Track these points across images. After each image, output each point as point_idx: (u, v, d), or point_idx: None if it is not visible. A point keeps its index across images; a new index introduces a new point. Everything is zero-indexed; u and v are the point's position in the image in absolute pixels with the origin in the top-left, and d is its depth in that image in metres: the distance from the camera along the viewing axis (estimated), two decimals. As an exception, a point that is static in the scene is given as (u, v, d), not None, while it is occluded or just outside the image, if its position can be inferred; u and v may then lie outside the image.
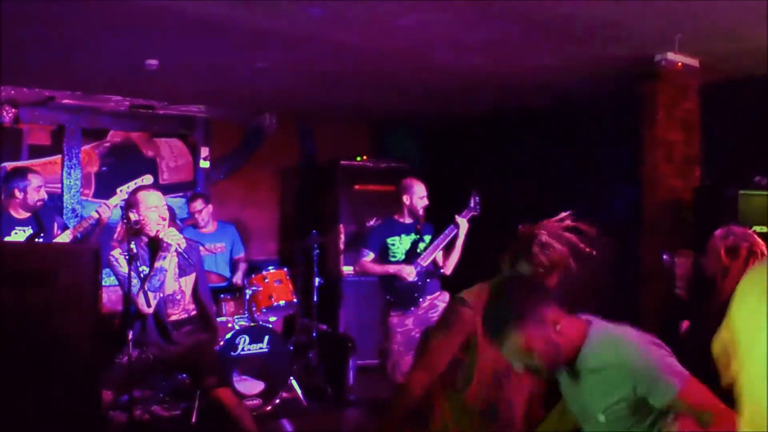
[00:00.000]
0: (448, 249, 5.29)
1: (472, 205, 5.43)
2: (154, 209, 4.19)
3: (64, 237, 5.20)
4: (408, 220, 5.29)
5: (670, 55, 4.93)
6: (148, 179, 5.44)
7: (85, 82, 6.41)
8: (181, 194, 7.46)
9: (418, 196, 5.25)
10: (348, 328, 6.76)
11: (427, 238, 5.30)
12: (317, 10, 4.15)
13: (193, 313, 4.35)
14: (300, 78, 6.01)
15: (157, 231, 4.18)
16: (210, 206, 6.45)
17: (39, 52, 5.25)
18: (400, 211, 5.32)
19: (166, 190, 7.39)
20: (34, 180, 5.13)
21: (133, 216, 4.17)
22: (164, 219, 4.22)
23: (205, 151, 7.55)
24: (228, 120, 7.67)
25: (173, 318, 4.25)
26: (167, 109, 7.21)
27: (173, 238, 4.17)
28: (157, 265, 4.15)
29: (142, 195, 4.23)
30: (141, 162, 7.27)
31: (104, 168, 7.14)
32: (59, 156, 6.88)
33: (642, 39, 4.65)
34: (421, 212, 5.27)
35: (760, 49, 4.69)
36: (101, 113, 6.98)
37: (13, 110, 6.58)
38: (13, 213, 5.08)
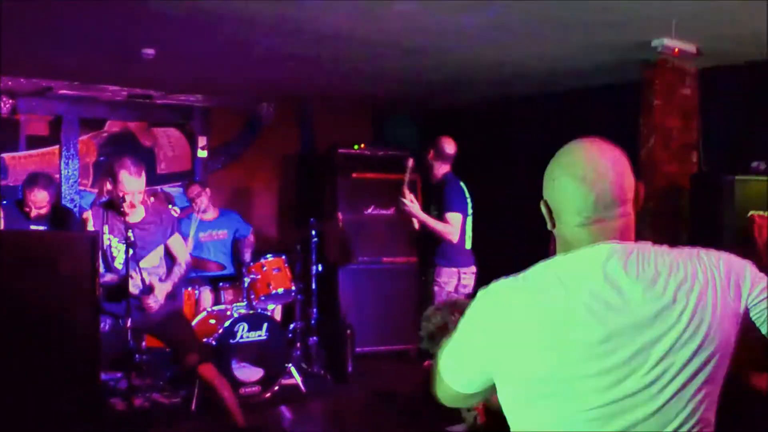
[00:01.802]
0: None
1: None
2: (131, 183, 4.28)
3: None
4: None
5: (668, 41, 4.91)
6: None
7: (82, 72, 6.40)
8: (179, 184, 7.47)
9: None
10: (346, 316, 6.77)
11: None
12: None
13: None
14: (298, 66, 6.00)
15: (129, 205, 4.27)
16: (207, 191, 6.45)
17: (36, 43, 5.25)
18: None
19: (164, 179, 7.42)
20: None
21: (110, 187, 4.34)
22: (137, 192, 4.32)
23: (202, 141, 7.54)
24: (226, 109, 7.67)
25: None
26: (165, 98, 7.21)
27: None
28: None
29: (121, 174, 4.27)
30: (139, 152, 7.27)
31: (102, 158, 7.13)
32: (57, 146, 6.88)
33: (639, 24, 4.64)
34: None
35: (758, 34, 4.69)
36: (99, 103, 6.98)
37: (11, 101, 6.58)
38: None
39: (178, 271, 4.59)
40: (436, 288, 5.18)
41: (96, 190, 7.01)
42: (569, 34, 4.89)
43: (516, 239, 6.92)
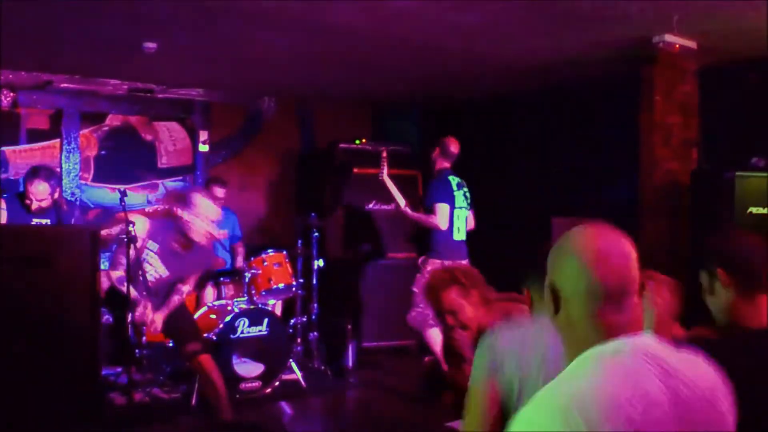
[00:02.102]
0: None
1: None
2: (205, 220, 4.36)
3: None
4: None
5: (668, 37, 4.91)
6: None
7: (83, 66, 6.41)
8: (180, 178, 7.48)
9: None
10: (347, 311, 6.78)
11: None
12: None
13: None
14: (299, 61, 6.00)
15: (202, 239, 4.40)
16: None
17: (37, 36, 5.25)
18: None
19: (165, 174, 7.42)
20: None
21: (184, 215, 4.33)
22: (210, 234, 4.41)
23: (203, 135, 7.55)
24: (227, 103, 7.67)
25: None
26: (166, 92, 7.21)
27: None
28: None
29: (201, 201, 4.39)
30: (140, 146, 7.28)
31: (103, 152, 7.14)
32: (58, 140, 6.88)
33: (639, 20, 4.64)
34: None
35: (758, 31, 4.68)
36: (100, 97, 6.98)
37: (11, 94, 6.58)
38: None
39: (177, 300, 4.66)
40: (418, 275, 5.68)
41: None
42: (570, 30, 4.89)
43: (514, 233, 6.93)
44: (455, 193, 5.73)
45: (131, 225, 4.16)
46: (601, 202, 6.11)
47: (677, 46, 4.99)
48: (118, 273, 4.36)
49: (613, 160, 6.24)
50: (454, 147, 5.78)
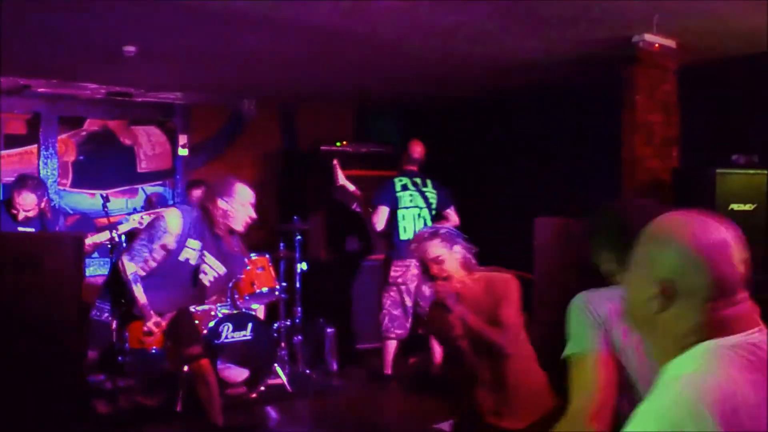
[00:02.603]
0: None
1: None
2: (245, 205, 4.20)
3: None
4: None
5: (648, 37, 4.95)
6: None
7: (61, 70, 6.34)
8: (159, 182, 7.42)
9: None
10: (331, 314, 6.75)
11: None
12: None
13: None
14: (280, 62, 5.98)
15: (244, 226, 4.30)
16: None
17: (14, 40, 5.17)
18: None
19: (145, 178, 7.36)
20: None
21: (222, 204, 4.16)
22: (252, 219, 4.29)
23: (183, 139, 7.49)
24: (207, 106, 7.63)
25: None
26: (145, 96, 7.15)
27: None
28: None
29: (238, 187, 4.31)
30: (119, 150, 7.22)
31: (81, 157, 7.07)
32: (35, 145, 6.81)
33: (619, 20, 4.67)
34: None
35: (737, 30, 4.73)
36: (78, 101, 6.91)
37: (-12, 99, 6.50)
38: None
39: None
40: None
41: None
42: (550, 31, 4.92)
43: (496, 233, 6.94)
44: (398, 195, 6.05)
45: (114, 231, 4.11)
46: (584, 201, 6.13)
47: (657, 45, 5.04)
48: (135, 266, 4.13)
49: (595, 159, 6.28)
50: (414, 151, 6.17)
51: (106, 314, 4.38)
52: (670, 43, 5.13)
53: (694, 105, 5.55)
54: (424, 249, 3.28)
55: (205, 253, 4.28)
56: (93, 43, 5.25)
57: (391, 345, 6.09)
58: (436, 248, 3.27)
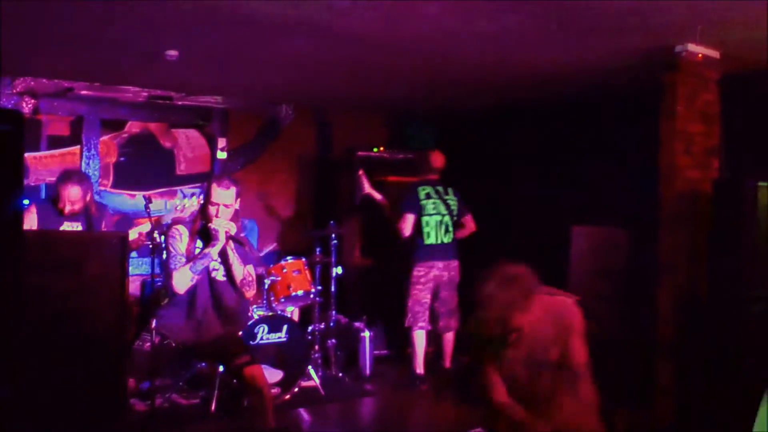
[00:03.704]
0: None
1: None
2: (215, 205, 4.29)
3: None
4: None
5: (691, 46, 4.90)
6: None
7: (103, 73, 6.45)
8: (198, 185, 7.50)
9: None
10: (365, 318, 6.78)
11: None
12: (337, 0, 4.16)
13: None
14: (317, 69, 6.02)
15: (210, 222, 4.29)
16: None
17: (58, 44, 5.28)
18: None
19: (183, 180, 7.45)
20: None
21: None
22: (216, 216, 4.31)
23: (222, 142, 7.58)
24: (245, 110, 7.70)
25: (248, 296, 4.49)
26: (185, 100, 7.25)
27: (221, 225, 4.26)
28: (205, 250, 4.23)
29: (213, 187, 4.38)
30: (159, 153, 7.32)
31: (122, 158, 7.18)
32: (78, 147, 6.92)
33: (662, 29, 4.63)
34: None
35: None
36: (119, 104, 7.02)
37: (33, 101, 6.63)
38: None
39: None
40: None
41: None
42: (591, 39, 4.89)
43: (533, 242, 6.92)
44: (422, 203, 6.31)
45: (155, 231, 4.17)
46: (620, 212, 6.10)
47: (700, 55, 4.98)
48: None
49: (633, 169, 6.23)
50: (434, 161, 6.48)
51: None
52: (714, 53, 5.07)
53: (737, 115, 5.48)
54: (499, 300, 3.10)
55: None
56: (135, 47, 5.33)
57: (419, 340, 6.27)
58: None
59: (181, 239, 4.23)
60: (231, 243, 4.33)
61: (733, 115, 5.49)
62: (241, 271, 4.34)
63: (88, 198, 5.27)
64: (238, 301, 4.48)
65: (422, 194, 6.34)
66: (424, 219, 6.30)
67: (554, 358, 3.14)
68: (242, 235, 4.50)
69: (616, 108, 6.58)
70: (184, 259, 4.17)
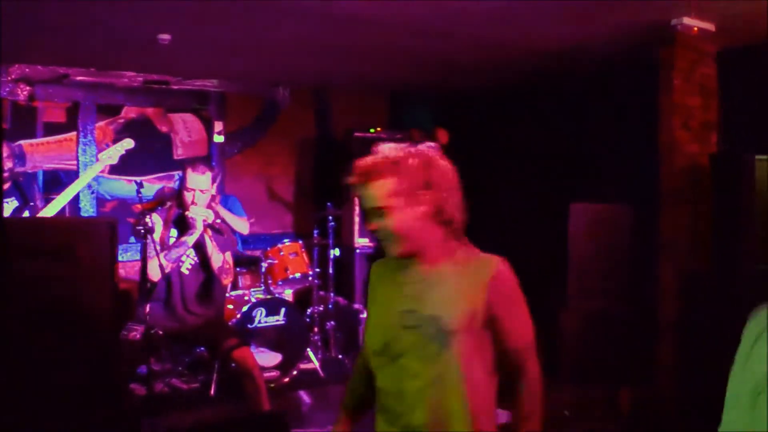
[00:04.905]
0: None
1: None
2: (191, 190, 4.31)
3: (49, 210, 5.24)
4: None
5: (686, 20, 4.84)
6: (128, 143, 5.56)
7: (98, 59, 6.42)
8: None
9: None
10: (362, 300, 6.78)
11: None
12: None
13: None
14: (314, 50, 5.97)
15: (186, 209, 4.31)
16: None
17: (52, 30, 5.25)
18: None
19: (181, 165, 7.43)
20: None
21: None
22: (194, 203, 4.32)
23: (219, 126, 7.55)
24: (242, 94, 7.67)
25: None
26: (181, 84, 7.21)
27: (198, 213, 4.26)
28: (182, 239, 4.24)
29: (188, 173, 4.42)
30: (155, 137, 7.29)
31: (119, 144, 7.15)
32: (74, 133, 6.91)
33: (657, 3, 4.57)
34: None
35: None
36: (115, 89, 6.99)
37: (28, 88, 6.60)
38: None
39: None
40: None
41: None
42: (587, 14, 4.83)
43: (532, 220, 6.89)
44: None
45: (148, 216, 4.16)
46: (619, 187, 6.06)
47: (695, 29, 4.92)
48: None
49: (630, 145, 6.18)
50: (441, 138, 6.72)
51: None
52: (709, 26, 5.01)
53: (734, 89, 5.42)
54: None
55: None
56: (128, 31, 5.30)
57: None
58: None
59: (154, 228, 4.25)
60: (209, 231, 4.33)
61: (731, 88, 5.43)
62: (220, 259, 4.36)
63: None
64: (215, 288, 4.50)
65: None
66: None
67: None
68: (219, 221, 4.49)
69: (614, 84, 6.53)
70: (158, 247, 4.19)
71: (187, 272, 4.42)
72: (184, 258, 4.39)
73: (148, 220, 4.09)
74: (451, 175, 2.26)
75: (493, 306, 2.14)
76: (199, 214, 4.27)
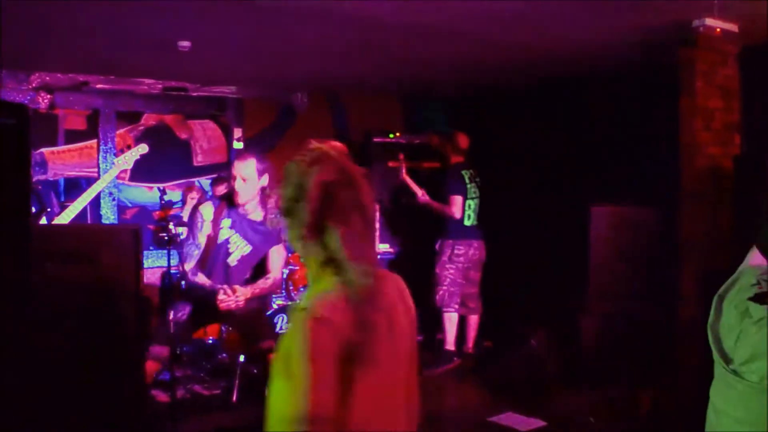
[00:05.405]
0: None
1: None
2: (234, 177, 4.37)
3: (66, 215, 5.29)
4: None
5: (709, 21, 4.81)
6: (143, 148, 5.59)
7: (118, 66, 6.46)
8: (215, 175, 7.51)
9: None
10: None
11: None
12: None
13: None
14: (332, 55, 5.98)
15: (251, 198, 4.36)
16: None
17: (72, 37, 5.29)
18: None
19: (201, 171, 7.47)
20: None
21: (232, 183, 4.42)
22: (236, 190, 4.35)
23: (238, 132, 7.58)
24: (260, 99, 7.69)
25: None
26: (200, 90, 7.25)
27: (229, 302, 4.30)
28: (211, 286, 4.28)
29: (235, 164, 4.47)
30: (175, 144, 7.33)
31: (139, 151, 7.19)
32: (95, 140, 6.95)
33: (679, 4, 4.55)
34: None
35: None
36: (135, 96, 7.04)
37: (49, 96, 6.66)
38: None
39: (263, 283, 4.52)
40: (437, 257, 6.55)
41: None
42: (608, 15, 4.81)
43: (552, 223, 6.86)
44: (467, 186, 6.54)
45: (171, 222, 4.18)
46: (640, 189, 6.01)
47: (718, 29, 4.89)
48: (190, 264, 4.34)
49: (651, 147, 6.14)
50: (462, 142, 6.64)
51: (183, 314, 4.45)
52: (732, 27, 4.97)
53: (757, 90, 5.38)
54: None
55: (233, 231, 4.40)
56: (148, 38, 5.33)
57: (452, 320, 6.47)
58: None
59: (202, 227, 4.26)
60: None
61: (753, 89, 5.38)
62: (282, 255, 4.45)
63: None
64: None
65: (466, 177, 6.57)
66: (467, 202, 6.53)
67: None
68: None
69: (635, 86, 6.48)
70: (197, 252, 4.20)
71: (235, 263, 4.42)
72: (232, 249, 4.39)
73: (171, 227, 4.11)
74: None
75: None
76: (230, 302, 4.30)
